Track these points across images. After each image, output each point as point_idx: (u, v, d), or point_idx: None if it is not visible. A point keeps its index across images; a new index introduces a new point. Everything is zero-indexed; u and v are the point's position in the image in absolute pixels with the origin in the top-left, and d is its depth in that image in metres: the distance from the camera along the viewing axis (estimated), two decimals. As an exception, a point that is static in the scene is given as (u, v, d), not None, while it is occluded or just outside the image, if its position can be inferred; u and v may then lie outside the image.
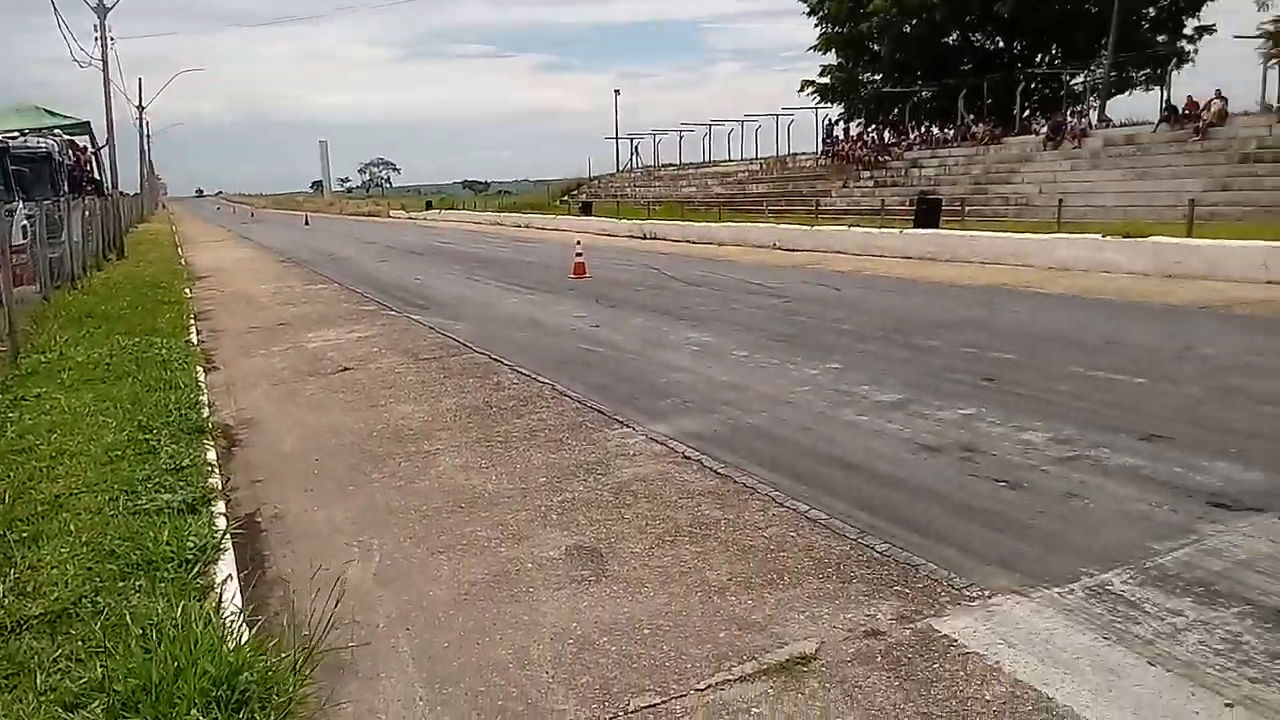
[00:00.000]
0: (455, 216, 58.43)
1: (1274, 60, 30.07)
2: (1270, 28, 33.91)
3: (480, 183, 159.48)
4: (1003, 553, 4.40)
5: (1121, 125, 30.46)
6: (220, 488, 5.46)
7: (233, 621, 3.55)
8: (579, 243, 20.39)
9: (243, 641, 3.35)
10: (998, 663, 3.41)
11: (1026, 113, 37.48)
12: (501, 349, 10.26)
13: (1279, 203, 20.26)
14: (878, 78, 47.47)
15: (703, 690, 3.33)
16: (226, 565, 4.25)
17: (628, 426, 6.88)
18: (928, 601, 3.91)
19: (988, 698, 3.19)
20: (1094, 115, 32.66)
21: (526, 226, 43.38)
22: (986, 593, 3.98)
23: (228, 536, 4.58)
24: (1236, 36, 37.19)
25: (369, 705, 3.37)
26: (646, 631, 3.78)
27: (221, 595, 3.87)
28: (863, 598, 3.98)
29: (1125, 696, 3.17)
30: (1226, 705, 3.10)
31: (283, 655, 3.29)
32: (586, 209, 44.16)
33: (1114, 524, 4.70)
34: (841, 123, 46.56)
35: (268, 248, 33.16)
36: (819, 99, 48.74)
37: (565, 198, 56.37)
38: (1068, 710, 3.10)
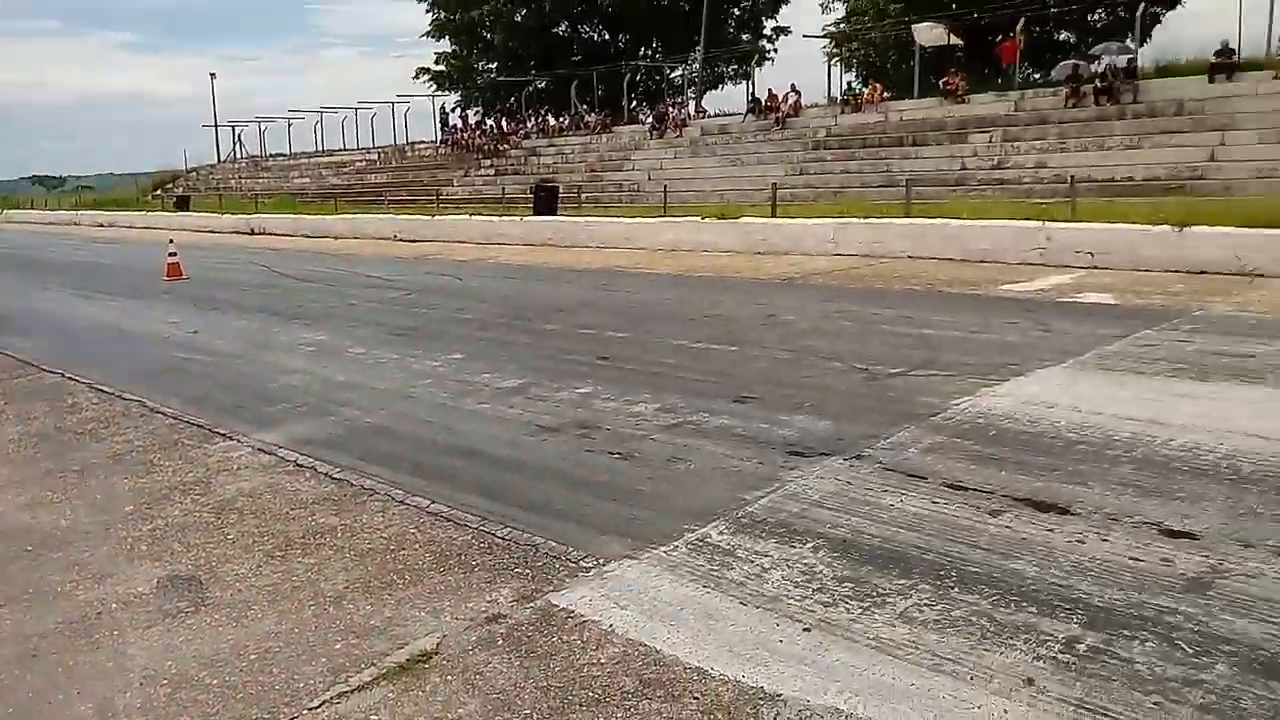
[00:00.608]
0: (21, 217, 50.99)
1: (836, 58, 34.63)
2: (833, 29, 39.05)
3: (53, 178, 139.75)
4: (616, 521, 4.61)
5: (716, 116, 33.34)
6: None
7: None
8: (172, 241, 18.54)
9: None
10: (611, 626, 3.56)
11: (634, 103, 39.92)
12: (78, 365, 8.99)
13: (845, 185, 23.24)
14: (493, 66, 48.11)
15: (317, 708, 3.14)
16: None
17: (232, 439, 6.33)
18: (546, 579, 4.00)
19: (602, 660, 3.32)
20: (692, 106, 35.39)
21: (111, 225, 38.92)
22: (601, 561, 4.14)
23: None
24: (805, 36, 42.35)
25: (-104, 807, 2.79)
26: (254, 657, 3.49)
27: None
28: (484, 585, 3.98)
29: (721, 636, 3.44)
30: (805, 630, 3.48)
31: None
32: (183, 204, 40.44)
33: (712, 481, 5.12)
34: (458, 111, 46.65)
35: None
36: (435, 86, 48.48)
37: (158, 192, 51.19)
38: (673, 658, 3.31)
